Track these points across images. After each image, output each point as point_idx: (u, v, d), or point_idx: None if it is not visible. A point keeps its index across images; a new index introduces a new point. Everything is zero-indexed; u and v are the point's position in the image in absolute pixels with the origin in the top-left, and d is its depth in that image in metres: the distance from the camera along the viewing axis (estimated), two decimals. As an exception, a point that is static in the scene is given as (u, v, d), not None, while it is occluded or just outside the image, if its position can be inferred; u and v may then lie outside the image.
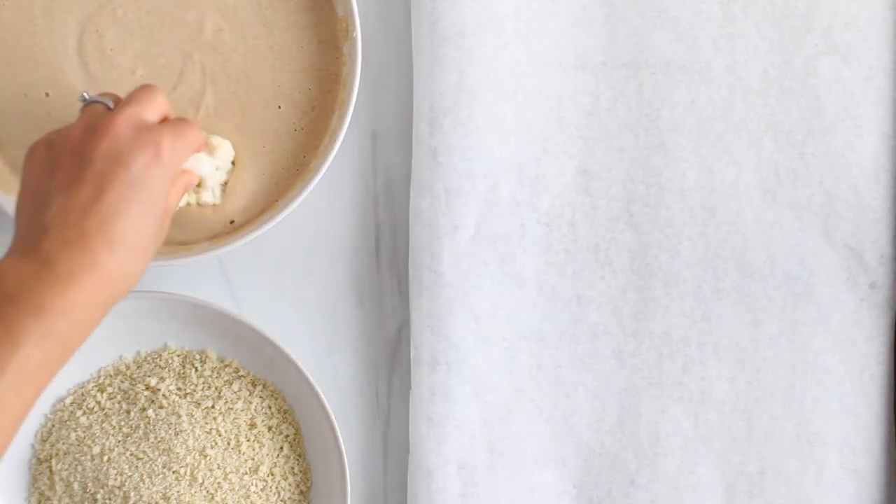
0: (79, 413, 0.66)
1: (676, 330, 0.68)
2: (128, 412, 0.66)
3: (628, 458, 0.68)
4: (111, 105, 0.56)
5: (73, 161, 0.52)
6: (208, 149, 0.63)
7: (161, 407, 0.66)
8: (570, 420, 0.68)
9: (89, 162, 0.51)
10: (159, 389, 0.66)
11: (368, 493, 0.70)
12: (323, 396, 0.65)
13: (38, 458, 0.67)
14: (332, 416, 0.65)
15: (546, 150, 0.67)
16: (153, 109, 0.55)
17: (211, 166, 0.63)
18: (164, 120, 0.57)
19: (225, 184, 0.65)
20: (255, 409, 0.67)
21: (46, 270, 0.49)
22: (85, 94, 0.57)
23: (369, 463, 0.70)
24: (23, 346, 0.47)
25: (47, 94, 0.65)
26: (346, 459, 0.65)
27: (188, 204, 0.64)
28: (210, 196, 0.64)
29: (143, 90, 0.56)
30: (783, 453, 0.67)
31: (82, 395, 0.67)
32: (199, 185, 0.63)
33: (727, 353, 0.68)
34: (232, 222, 0.65)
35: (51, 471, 0.66)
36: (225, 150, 0.64)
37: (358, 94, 0.64)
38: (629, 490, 0.68)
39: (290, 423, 0.67)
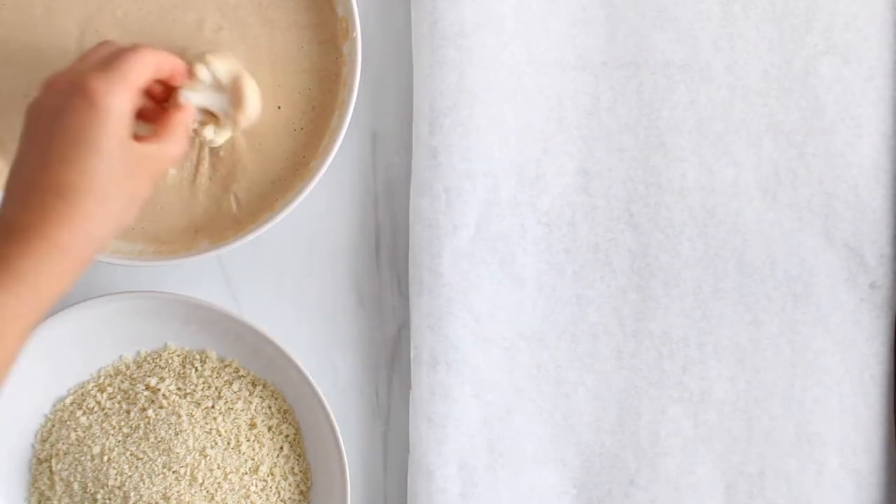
0: (79, 413, 0.66)
1: (676, 330, 0.68)
2: (128, 412, 0.66)
3: (628, 458, 0.68)
4: None
5: (26, 126, 0.55)
6: (194, 79, 0.60)
7: (161, 407, 0.66)
8: (570, 420, 0.68)
9: (32, 124, 0.55)
10: (159, 389, 0.66)
11: (368, 493, 0.70)
12: (323, 396, 0.65)
13: (38, 458, 0.67)
14: (332, 416, 0.65)
15: (546, 150, 0.67)
16: (96, 61, 0.56)
17: (201, 98, 0.61)
18: (163, 84, 0.58)
19: (236, 115, 0.62)
20: (255, 409, 0.67)
21: (5, 230, 0.52)
22: None
23: (369, 463, 0.70)
24: None
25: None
26: (346, 459, 0.65)
27: (204, 140, 0.62)
28: (210, 133, 0.62)
29: (96, 47, 0.58)
30: (783, 453, 0.67)
31: (82, 394, 0.67)
32: (207, 122, 0.62)
33: (727, 353, 0.68)
34: (236, 196, 0.65)
35: (51, 471, 0.66)
36: (222, 75, 0.61)
37: (358, 94, 0.64)
38: (629, 490, 0.68)
39: (290, 423, 0.67)
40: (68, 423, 0.66)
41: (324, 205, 0.69)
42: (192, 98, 0.60)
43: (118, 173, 0.54)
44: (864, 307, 0.67)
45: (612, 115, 0.68)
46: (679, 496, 0.68)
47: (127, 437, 0.66)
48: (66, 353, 0.66)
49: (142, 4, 0.65)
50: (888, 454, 0.68)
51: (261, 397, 0.67)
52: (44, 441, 0.67)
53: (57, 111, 0.53)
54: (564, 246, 0.68)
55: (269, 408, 0.67)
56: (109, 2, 0.65)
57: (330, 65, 0.66)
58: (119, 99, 0.54)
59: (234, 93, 0.61)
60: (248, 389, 0.67)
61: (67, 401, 0.67)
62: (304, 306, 0.69)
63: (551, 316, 0.68)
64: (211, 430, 0.66)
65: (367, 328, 0.70)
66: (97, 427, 0.66)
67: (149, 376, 0.67)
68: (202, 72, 0.60)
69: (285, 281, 0.69)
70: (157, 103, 0.60)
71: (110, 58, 0.56)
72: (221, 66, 0.61)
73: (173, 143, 0.58)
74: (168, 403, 0.66)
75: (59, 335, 0.65)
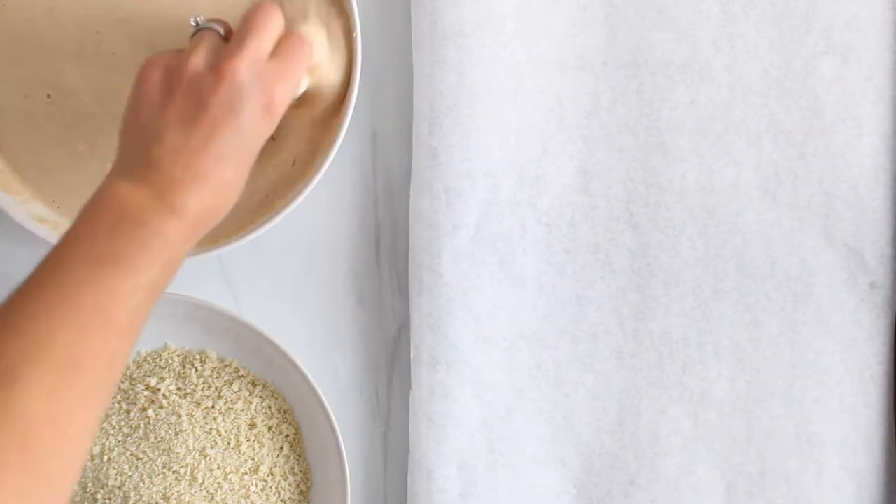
0: None
1: (676, 330, 0.68)
2: (128, 412, 0.66)
3: (628, 458, 0.68)
4: (222, 32, 0.57)
5: (190, 99, 0.53)
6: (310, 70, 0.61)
7: (161, 407, 0.66)
8: (570, 420, 0.68)
9: (204, 106, 0.53)
10: (159, 389, 0.66)
11: (368, 493, 0.70)
12: (323, 396, 0.65)
13: None
14: (332, 416, 0.65)
15: (546, 150, 0.67)
16: (269, 39, 0.56)
17: (307, 82, 0.61)
18: (279, 44, 0.57)
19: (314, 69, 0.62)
20: (255, 409, 0.67)
21: (161, 203, 0.51)
22: (197, 20, 0.57)
23: (369, 463, 0.70)
24: (151, 268, 0.50)
25: (49, 96, 0.65)
26: (346, 459, 0.65)
27: None
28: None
29: (259, 15, 0.56)
30: (783, 453, 0.67)
31: None
32: None
33: (727, 353, 0.68)
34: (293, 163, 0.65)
35: None
36: (319, 51, 0.61)
37: (358, 94, 0.64)
38: (629, 490, 0.68)
39: (290, 423, 0.67)
40: None
41: (324, 205, 0.69)
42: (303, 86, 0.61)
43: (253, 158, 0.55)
44: (864, 307, 0.67)
45: (612, 115, 0.68)
46: (679, 496, 0.68)
47: (127, 437, 0.66)
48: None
49: (143, 6, 0.65)
50: (888, 454, 0.67)
51: (261, 397, 0.67)
52: None
53: (232, 103, 0.53)
54: (564, 246, 0.68)
55: (269, 408, 0.67)
56: (111, 3, 0.65)
57: (330, 65, 0.66)
58: (285, 107, 0.55)
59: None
60: (248, 389, 0.67)
61: None
62: (304, 306, 0.69)
63: (551, 316, 0.68)
64: (211, 430, 0.66)
65: (367, 328, 0.70)
66: None
67: (149, 376, 0.67)
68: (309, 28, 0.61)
69: (285, 281, 0.69)
70: None
71: (282, 47, 0.56)
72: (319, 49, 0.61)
73: (295, 62, 0.57)
74: (168, 403, 0.66)
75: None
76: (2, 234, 0.68)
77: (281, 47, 0.56)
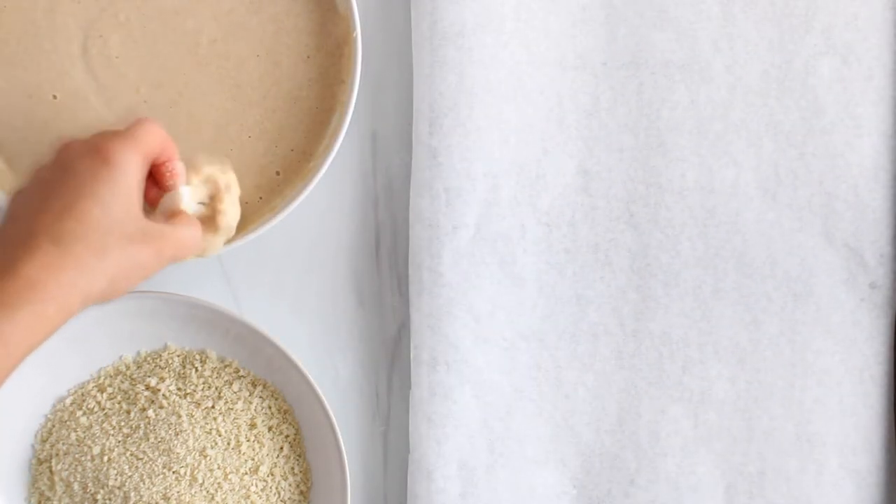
0: (79, 413, 0.66)
1: (676, 330, 0.68)
2: (128, 412, 0.66)
3: (628, 458, 0.68)
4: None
5: (31, 180, 0.56)
6: (187, 176, 0.60)
7: (161, 407, 0.66)
8: (570, 420, 0.68)
9: (39, 175, 0.56)
10: (159, 390, 0.66)
11: (368, 493, 0.70)
12: (323, 396, 0.65)
13: (38, 459, 0.67)
14: (332, 416, 0.65)
15: (546, 150, 0.67)
16: (110, 132, 0.57)
17: (189, 199, 0.60)
18: (159, 163, 0.58)
19: (215, 226, 0.61)
20: (255, 410, 0.67)
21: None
22: None
23: (369, 463, 0.70)
24: None
25: (55, 97, 0.65)
26: (346, 459, 0.65)
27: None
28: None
29: (137, 125, 0.58)
30: (783, 453, 0.67)
31: (82, 395, 0.67)
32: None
33: (727, 353, 0.68)
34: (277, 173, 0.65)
35: (51, 471, 0.66)
36: (209, 180, 0.61)
37: (358, 94, 0.64)
38: (629, 490, 0.68)
39: (290, 424, 0.67)
40: (68, 423, 0.66)
41: (324, 205, 0.69)
42: (179, 199, 0.59)
43: (119, 232, 0.54)
44: (864, 307, 0.67)
45: (612, 115, 0.68)
46: (679, 496, 0.68)
47: (127, 437, 0.66)
48: (65, 353, 0.66)
49: (144, 10, 0.65)
50: (888, 454, 0.68)
51: (261, 397, 0.67)
52: (44, 441, 0.67)
53: (67, 164, 0.54)
54: (564, 246, 0.68)
55: (269, 408, 0.67)
56: (112, 5, 0.65)
57: (330, 65, 0.66)
58: (129, 157, 0.55)
59: (213, 205, 0.61)
60: (249, 389, 0.67)
61: (67, 401, 0.67)
62: (304, 306, 0.69)
63: (551, 316, 0.68)
64: (211, 430, 0.66)
65: (367, 328, 0.70)
66: (97, 427, 0.66)
67: (149, 376, 0.67)
68: (192, 180, 0.60)
69: (285, 281, 0.69)
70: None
71: (124, 129, 0.57)
72: (208, 174, 0.61)
73: (184, 229, 0.57)
74: (168, 404, 0.66)
75: (59, 335, 0.65)
76: (2, 234, 0.68)
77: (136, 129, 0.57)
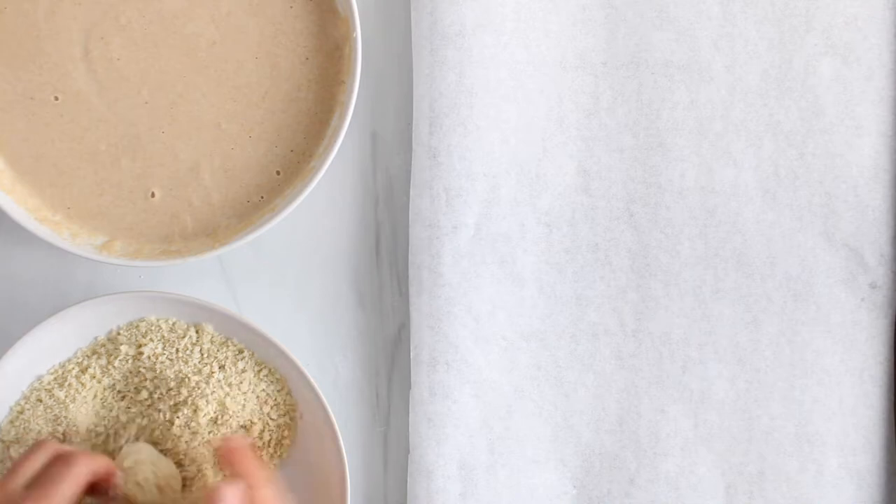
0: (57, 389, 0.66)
1: (676, 330, 0.68)
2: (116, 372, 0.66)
3: (628, 458, 0.68)
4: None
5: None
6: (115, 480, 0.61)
7: (150, 369, 0.65)
8: (570, 420, 0.68)
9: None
10: (143, 353, 0.65)
11: (368, 493, 0.70)
12: (323, 396, 0.65)
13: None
14: (332, 416, 0.65)
15: (546, 150, 0.67)
16: (27, 478, 0.57)
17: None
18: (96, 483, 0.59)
19: None
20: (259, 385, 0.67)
21: None
22: None
23: (369, 463, 0.70)
24: None
25: (57, 98, 0.65)
26: (346, 459, 0.65)
27: None
28: None
29: (30, 451, 0.58)
30: (783, 453, 0.67)
31: (63, 373, 0.66)
32: None
33: (727, 353, 0.68)
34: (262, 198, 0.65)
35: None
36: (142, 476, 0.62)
37: (358, 94, 0.64)
38: (629, 490, 0.68)
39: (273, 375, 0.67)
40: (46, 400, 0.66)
41: (324, 205, 0.69)
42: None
43: None
44: (864, 307, 0.67)
45: (612, 115, 0.68)
46: (679, 496, 0.68)
47: (111, 389, 0.66)
48: (66, 353, 0.66)
49: (144, 13, 0.65)
50: (888, 454, 0.67)
51: (267, 381, 0.67)
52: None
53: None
54: (564, 246, 0.68)
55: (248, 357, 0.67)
56: (113, 8, 0.65)
57: (330, 65, 0.66)
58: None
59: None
60: (254, 370, 0.67)
61: (46, 379, 0.67)
62: (304, 306, 0.69)
63: (551, 316, 0.68)
64: (203, 388, 0.65)
65: (367, 328, 0.70)
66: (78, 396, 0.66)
67: (135, 341, 0.66)
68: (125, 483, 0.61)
69: (285, 281, 0.69)
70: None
71: (43, 474, 0.57)
72: (141, 476, 0.62)
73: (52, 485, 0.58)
74: (157, 365, 0.65)
75: (59, 335, 0.65)
76: (2, 234, 0.68)
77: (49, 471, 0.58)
